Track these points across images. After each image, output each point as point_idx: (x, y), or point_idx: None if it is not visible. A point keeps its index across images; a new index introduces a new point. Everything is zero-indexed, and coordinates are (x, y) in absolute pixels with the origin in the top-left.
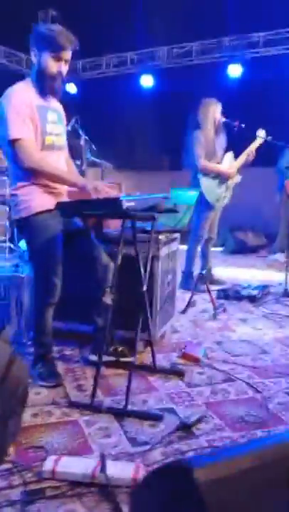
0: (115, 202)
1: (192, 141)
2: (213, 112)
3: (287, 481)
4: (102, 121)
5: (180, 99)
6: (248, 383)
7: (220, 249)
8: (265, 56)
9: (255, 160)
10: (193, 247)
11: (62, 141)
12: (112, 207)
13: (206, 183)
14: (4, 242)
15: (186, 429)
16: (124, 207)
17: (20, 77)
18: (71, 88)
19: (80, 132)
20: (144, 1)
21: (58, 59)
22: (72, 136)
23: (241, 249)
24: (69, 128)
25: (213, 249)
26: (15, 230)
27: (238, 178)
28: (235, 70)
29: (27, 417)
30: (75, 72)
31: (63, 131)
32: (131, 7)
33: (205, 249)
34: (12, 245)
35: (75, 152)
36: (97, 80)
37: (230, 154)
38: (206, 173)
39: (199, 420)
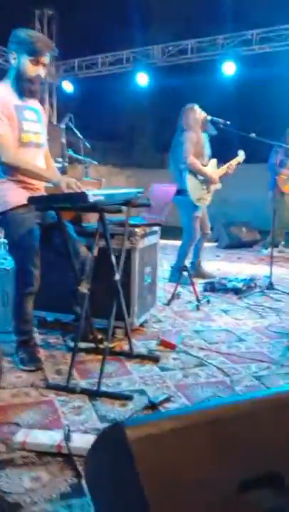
0: (81, 196)
1: (183, 140)
2: (198, 114)
3: (207, 442)
4: (99, 119)
5: (176, 96)
6: (218, 368)
7: (214, 244)
8: (260, 53)
9: (247, 156)
10: (187, 247)
11: (41, 139)
12: (78, 200)
13: (192, 182)
14: None
15: (153, 407)
16: (91, 201)
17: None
18: (67, 86)
19: (74, 130)
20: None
21: (36, 63)
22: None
23: (235, 245)
24: (63, 126)
25: (206, 244)
26: None
27: (219, 185)
28: (229, 68)
29: (6, 398)
30: (71, 70)
31: (42, 129)
32: (126, 6)
33: (199, 244)
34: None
35: (64, 149)
36: (93, 78)
37: (214, 161)
38: (193, 171)
39: (167, 400)
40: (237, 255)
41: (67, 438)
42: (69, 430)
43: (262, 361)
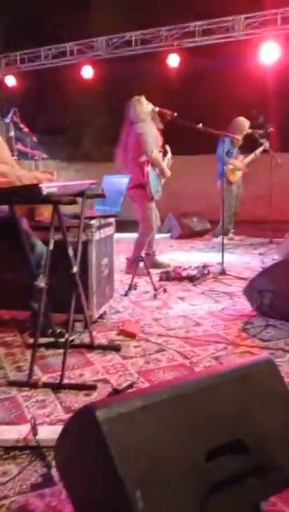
0: (34, 188)
1: (140, 133)
2: (145, 106)
3: (174, 416)
4: (45, 112)
5: (122, 88)
6: (178, 351)
7: (167, 235)
8: (202, 45)
9: (196, 148)
10: (142, 239)
11: None
12: (31, 193)
13: (152, 175)
14: None
15: (117, 394)
16: (44, 193)
17: None
18: (9, 80)
19: (19, 124)
20: None
21: None
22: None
23: (187, 234)
24: (8, 120)
25: (159, 235)
26: None
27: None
28: (173, 59)
29: None
30: (13, 64)
31: None
32: None
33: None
34: None
35: (12, 144)
36: (36, 71)
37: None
38: (154, 164)
39: (130, 386)
40: (189, 244)
41: (33, 430)
42: (35, 423)
43: (219, 342)
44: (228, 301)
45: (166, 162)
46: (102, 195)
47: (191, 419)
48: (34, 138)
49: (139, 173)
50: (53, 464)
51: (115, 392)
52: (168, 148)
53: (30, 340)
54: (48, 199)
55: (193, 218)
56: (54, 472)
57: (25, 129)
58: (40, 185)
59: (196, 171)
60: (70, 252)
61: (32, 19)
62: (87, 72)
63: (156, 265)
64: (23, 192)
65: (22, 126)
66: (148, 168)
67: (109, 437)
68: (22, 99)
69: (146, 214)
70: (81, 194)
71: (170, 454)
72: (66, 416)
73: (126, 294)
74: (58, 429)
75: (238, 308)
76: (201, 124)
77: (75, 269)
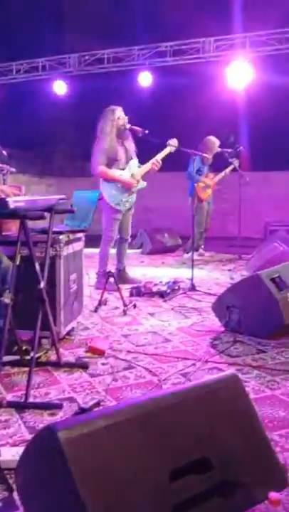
0: (0, 202)
1: (93, 149)
2: (116, 118)
3: (138, 436)
4: (16, 127)
5: (94, 104)
6: (146, 368)
7: (138, 250)
8: (173, 65)
9: (167, 165)
10: (104, 249)
11: None
12: None
13: (107, 188)
14: None
15: (83, 413)
16: (11, 207)
17: None
18: None
19: None
20: (56, 8)
21: None
22: None
23: (158, 250)
24: None
25: (131, 250)
26: None
27: (142, 185)
28: (145, 78)
29: None
30: None
31: None
32: (41, 13)
33: (120, 249)
34: None
35: None
36: (8, 85)
37: (133, 161)
38: (106, 179)
39: (97, 404)
40: (160, 260)
41: None
42: None
43: (187, 359)
44: (198, 317)
45: (128, 171)
46: (71, 211)
47: (155, 439)
48: (4, 152)
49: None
50: (15, 487)
51: (81, 411)
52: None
53: None
54: (14, 213)
55: (164, 234)
56: (16, 496)
57: None
58: (7, 199)
59: (168, 188)
60: (37, 267)
61: (4, 33)
62: (60, 87)
63: (127, 280)
64: None
65: None
66: (102, 182)
67: (71, 459)
68: None
69: (107, 224)
70: (50, 209)
71: (134, 476)
72: (30, 436)
73: (96, 310)
74: (20, 450)
75: (207, 324)
76: (170, 142)
77: (42, 285)
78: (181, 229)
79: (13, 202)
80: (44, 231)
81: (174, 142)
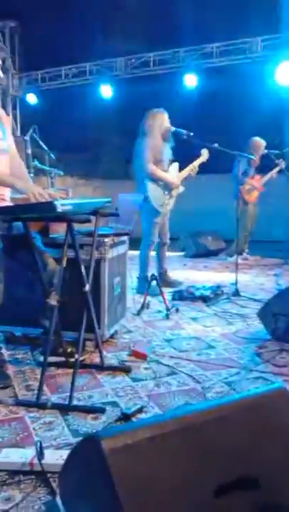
0: (48, 205)
1: (141, 147)
2: (161, 121)
3: (182, 449)
4: (64, 130)
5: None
6: (190, 375)
7: (181, 253)
8: (219, 66)
9: (211, 167)
10: (145, 252)
11: (2, 145)
12: (45, 210)
13: (152, 189)
14: None
15: (126, 419)
16: (59, 210)
17: None
18: (31, 99)
19: (39, 141)
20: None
21: None
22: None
23: (202, 253)
24: (27, 137)
25: (173, 253)
26: None
27: (181, 189)
28: (191, 80)
29: None
30: (34, 82)
31: (4, 135)
32: (89, 19)
33: (160, 253)
34: None
35: (29, 160)
36: (56, 90)
37: (175, 165)
38: (153, 178)
39: (139, 410)
40: (203, 264)
41: (39, 455)
42: (41, 446)
43: (231, 367)
44: (242, 324)
45: (172, 174)
46: (115, 214)
47: (200, 452)
48: (52, 155)
49: (143, 186)
50: (58, 491)
51: (124, 416)
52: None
53: (41, 359)
54: (61, 216)
55: (208, 237)
56: (59, 500)
57: (44, 146)
58: (55, 203)
59: (211, 190)
60: (83, 270)
61: (53, 39)
62: (106, 91)
63: (169, 284)
64: (38, 209)
65: (41, 143)
66: (148, 182)
67: (114, 469)
68: (42, 117)
69: (148, 227)
70: (95, 212)
71: (178, 489)
72: (73, 440)
73: (138, 314)
74: (64, 454)
75: (251, 331)
76: (216, 144)
77: (87, 288)
78: (224, 232)
79: (61, 205)
80: (89, 234)
81: (205, 152)
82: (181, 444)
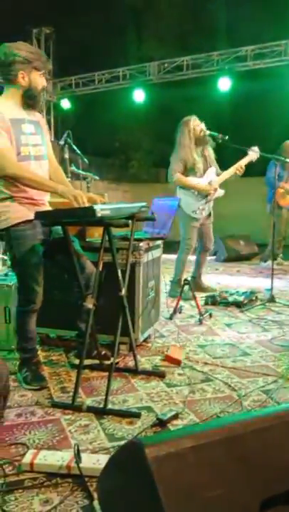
0: (89, 210)
1: (171, 158)
2: (193, 127)
3: (226, 459)
4: (96, 135)
5: (171, 112)
6: (225, 383)
7: (212, 257)
8: (254, 69)
9: (246, 170)
10: (181, 257)
11: (41, 151)
12: (85, 215)
13: (183, 195)
14: None
15: (161, 424)
16: (99, 215)
17: None
18: (65, 104)
19: (73, 146)
20: (135, 18)
21: (42, 75)
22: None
23: (234, 258)
24: (62, 142)
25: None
26: None
27: (220, 193)
28: (224, 83)
29: (11, 417)
30: (68, 88)
31: (43, 141)
32: (123, 24)
33: (200, 258)
34: None
35: (67, 165)
36: (90, 95)
37: (212, 169)
38: (182, 186)
39: (175, 417)
40: (236, 268)
41: (77, 458)
42: (78, 450)
43: (268, 375)
44: (278, 331)
45: (209, 179)
46: (151, 219)
47: (244, 463)
48: (85, 159)
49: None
50: (95, 496)
51: (160, 422)
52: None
53: (76, 361)
54: (101, 221)
55: (240, 241)
56: (96, 505)
57: (78, 151)
58: (95, 207)
59: (244, 194)
60: (120, 274)
61: (86, 45)
62: (139, 96)
63: (202, 288)
64: (79, 213)
65: (75, 147)
66: (179, 189)
67: (157, 477)
68: (75, 122)
69: (185, 232)
70: (131, 217)
71: (222, 500)
72: (109, 444)
73: (171, 318)
74: (101, 458)
75: (288, 338)
76: (256, 147)
77: (124, 292)
78: (257, 236)
79: (100, 210)
80: (125, 238)
81: (255, 150)
82: (225, 454)
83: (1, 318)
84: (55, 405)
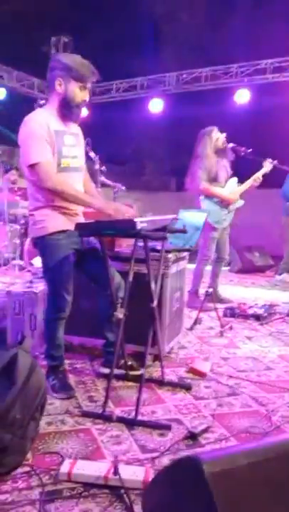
0: (130, 223)
1: (196, 168)
2: (215, 139)
3: (284, 475)
4: (112, 143)
5: (188, 123)
6: (252, 397)
7: (226, 268)
8: (273, 82)
9: (262, 182)
10: (199, 267)
11: (79, 163)
12: (127, 227)
13: (207, 205)
14: (14, 259)
15: (193, 438)
16: (138, 227)
17: (30, 100)
18: (83, 112)
19: (92, 155)
20: (155, 28)
21: (83, 88)
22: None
23: (247, 269)
24: (93, 154)
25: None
26: (23, 248)
27: (240, 203)
28: (243, 96)
29: (42, 425)
30: None
31: (80, 153)
32: (141, 34)
33: (216, 268)
34: (22, 262)
35: (97, 175)
36: (107, 104)
37: (233, 180)
38: (207, 196)
39: (206, 430)
40: (250, 280)
41: (115, 470)
42: (117, 462)
43: None
44: None
45: (228, 189)
46: (182, 231)
47: None
48: (104, 167)
49: (199, 202)
50: (136, 509)
51: (191, 435)
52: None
53: (102, 370)
54: (141, 234)
55: (255, 252)
56: None
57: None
58: (136, 220)
59: (259, 205)
60: (152, 285)
61: (105, 54)
62: (156, 105)
63: (219, 300)
64: (119, 226)
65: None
66: (203, 199)
67: (216, 493)
68: (92, 130)
69: (205, 242)
70: (164, 228)
71: None
72: (142, 456)
73: (191, 329)
74: (138, 470)
75: None
76: (276, 161)
77: (155, 303)
78: (272, 248)
79: (140, 223)
80: (154, 249)
81: (270, 161)
82: (280, 471)
83: (27, 326)
84: (86, 415)
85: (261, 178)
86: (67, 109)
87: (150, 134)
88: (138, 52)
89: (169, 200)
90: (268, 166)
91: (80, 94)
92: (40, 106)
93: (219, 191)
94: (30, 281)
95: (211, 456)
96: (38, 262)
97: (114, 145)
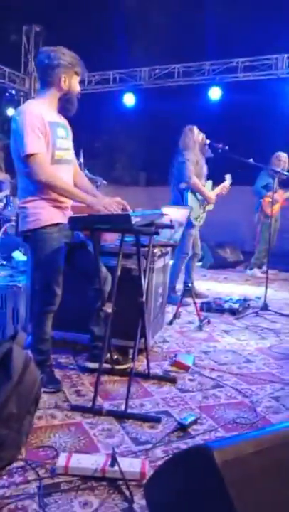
0: (125, 218)
1: (183, 160)
2: (196, 135)
3: None
4: (83, 137)
5: (161, 118)
6: (236, 389)
7: (198, 264)
8: (244, 81)
9: (235, 180)
10: (178, 264)
11: (70, 155)
12: (122, 222)
13: (192, 201)
14: None
15: (183, 429)
16: (133, 222)
17: (0, 90)
18: None
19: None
20: (128, 22)
21: (79, 80)
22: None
23: (220, 265)
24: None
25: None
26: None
27: (211, 206)
28: (215, 93)
29: None
30: None
31: (71, 145)
32: (115, 27)
33: (190, 264)
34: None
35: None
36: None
37: (209, 183)
38: (194, 190)
39: (194, 422)
40: (223, 275)
41: (113, 462)
42: (115, 454)
43: (274, 382)
44: (275, 339)
45: (209, 188)
46: (170, 226)
47: None
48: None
49: (180, 198)
50: (136, 498)
51: (181, 426)
52: (207, 181)
53: (88, 364)
54: (134, 229)
55: (226, 249)
56: (136, 507)
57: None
58: (130, 215)
59: (231, 202)
60: (143, 280)
61: (77, 45)
62: (129, 100)
63: (196, 295)
64: (114, 220)
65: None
66: (188, 194)
67: (228, 481)
68: None
69: (183, 239)
70: (151, 224)
71: None
72: (136, 448)
73: (170, 323)
74: (135, 461)
75: (285, 345)
76: (251, 160)
77: (144, 298)
78: (243, 244)
79: (134, 218)
80: (141, 244)
81: (229, 178)
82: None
83: (9, 319)
84: (75, 409)
85: (228, 188)
86: (70, 103)
87: (122, 128)
88: (111, 45)
89: (139, 195)
90: (229, 179)
91: (78, 86)
92: (12, 96)
93: (205, 189)
94: (11, 275)
95: (221, 445)
96: (18, 255)
97: (85, 138)
